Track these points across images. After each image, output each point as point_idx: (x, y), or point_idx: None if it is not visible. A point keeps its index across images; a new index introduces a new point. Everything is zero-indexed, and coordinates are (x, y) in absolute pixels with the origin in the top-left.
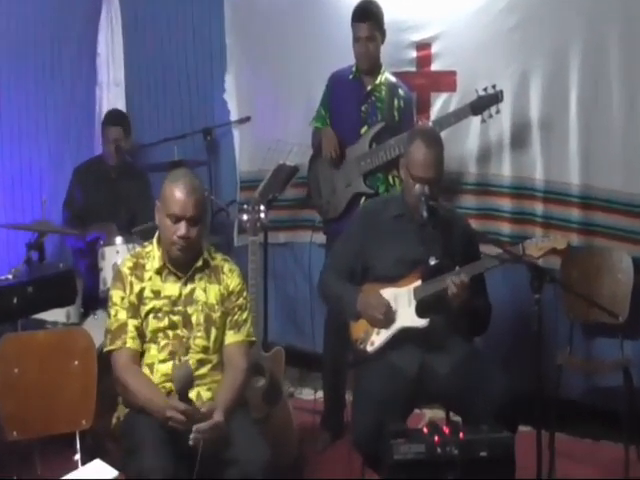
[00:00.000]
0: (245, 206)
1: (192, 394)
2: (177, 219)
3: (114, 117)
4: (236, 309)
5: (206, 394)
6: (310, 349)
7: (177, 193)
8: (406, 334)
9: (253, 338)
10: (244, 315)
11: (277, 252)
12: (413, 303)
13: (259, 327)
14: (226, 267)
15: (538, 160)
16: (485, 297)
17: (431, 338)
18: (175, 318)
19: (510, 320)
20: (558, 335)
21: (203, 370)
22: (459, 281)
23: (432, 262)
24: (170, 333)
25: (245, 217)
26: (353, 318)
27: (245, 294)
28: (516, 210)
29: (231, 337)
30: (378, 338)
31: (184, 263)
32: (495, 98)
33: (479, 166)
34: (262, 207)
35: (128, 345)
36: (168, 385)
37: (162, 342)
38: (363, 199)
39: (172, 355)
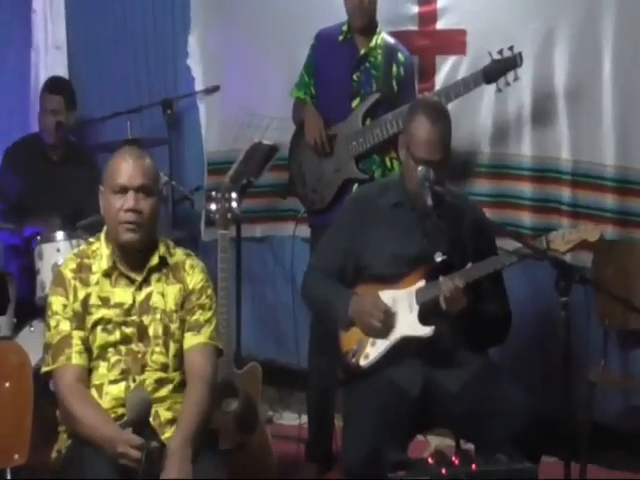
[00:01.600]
0: (214, 193)
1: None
2: (124, 190)
3: (55, 84)
4: (196, 308)
5: (165, 414)
6: (293, 365)
7: (122, 162)
8: (407, 345)
9: (219, 344)
10: (207, 315)
11: (253, 248)
12: (415, 308)
13: (231, 339)
14: (187, 263)
15: (565, 137)
16: (503, 301)
17: (437, 350)
18: (128, 330)
19: (532, 328)
20: (590, 346)
21: (163, 392)
22: (453, 286)
23: (438, 259)
24: (122, 348)
25: (214, 207)
26: (344, 326)
27: (209, 292)
28: (539, 197)
29: (190, 340)
30: (374, 350)
31: (136, 261)
32: (513, 62)
33: (494, 144)
34: (234, 194)
35: (74, 362)
36: (120, 411)
37: (113, 359)
38: (355, 186)
39: (125, 374)
